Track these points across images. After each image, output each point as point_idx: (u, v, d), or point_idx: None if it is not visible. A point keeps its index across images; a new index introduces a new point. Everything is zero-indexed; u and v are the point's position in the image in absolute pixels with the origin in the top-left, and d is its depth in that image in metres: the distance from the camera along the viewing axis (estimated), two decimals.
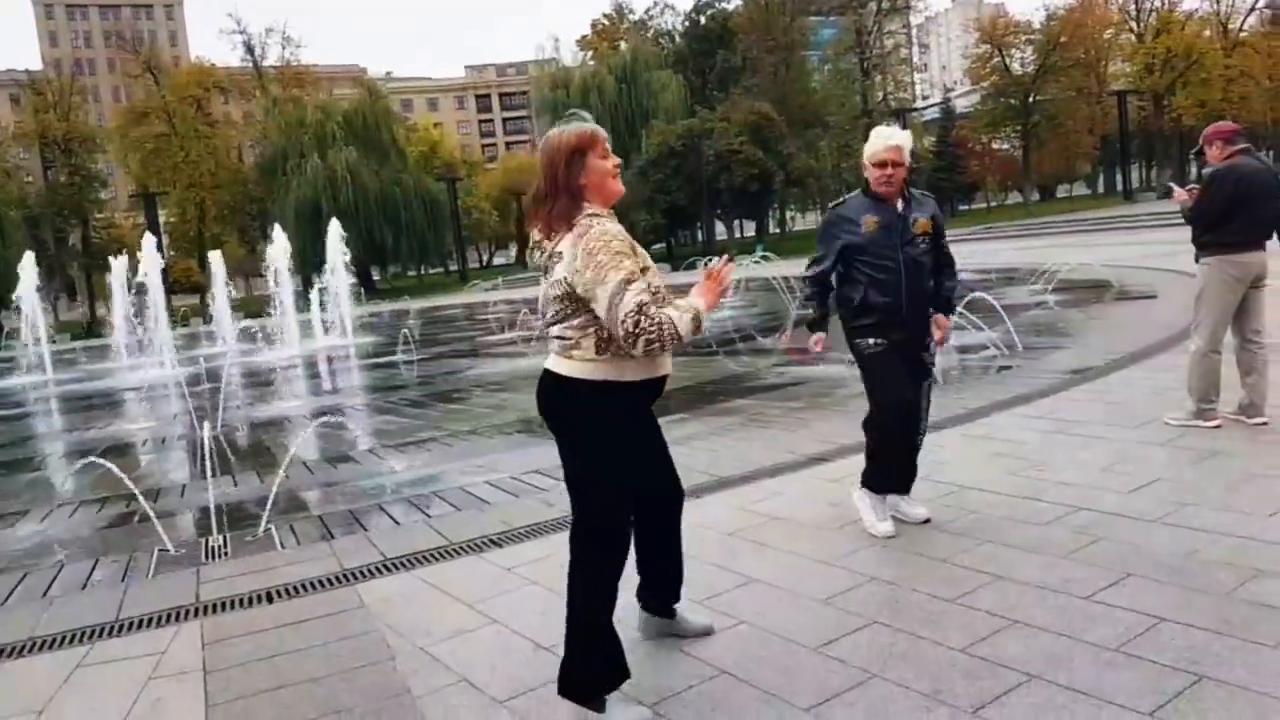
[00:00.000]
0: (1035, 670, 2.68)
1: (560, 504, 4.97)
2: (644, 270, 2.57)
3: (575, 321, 2.58)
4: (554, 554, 4.18)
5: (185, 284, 49.85)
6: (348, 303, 22.91)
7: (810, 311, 4.06)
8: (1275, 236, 5.13)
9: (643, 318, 2.42)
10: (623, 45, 56.50)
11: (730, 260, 2.73)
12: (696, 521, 4.40)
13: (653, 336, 2.43)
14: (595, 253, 2.48)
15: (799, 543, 3.99)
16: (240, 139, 60.44)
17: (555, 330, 2.64)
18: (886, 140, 3.84)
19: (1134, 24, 55.92)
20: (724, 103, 47.13)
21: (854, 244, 3.89)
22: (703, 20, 56.25)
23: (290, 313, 21.44)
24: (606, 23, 65.19)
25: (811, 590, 3.45)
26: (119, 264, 22.35)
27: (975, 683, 2.65)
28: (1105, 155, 58.39)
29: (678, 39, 57.53)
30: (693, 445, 6.11)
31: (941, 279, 4.04)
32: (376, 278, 55.68)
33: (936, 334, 4.02)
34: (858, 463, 5.11)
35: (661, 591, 3.12)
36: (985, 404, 6.31)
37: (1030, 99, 54.03)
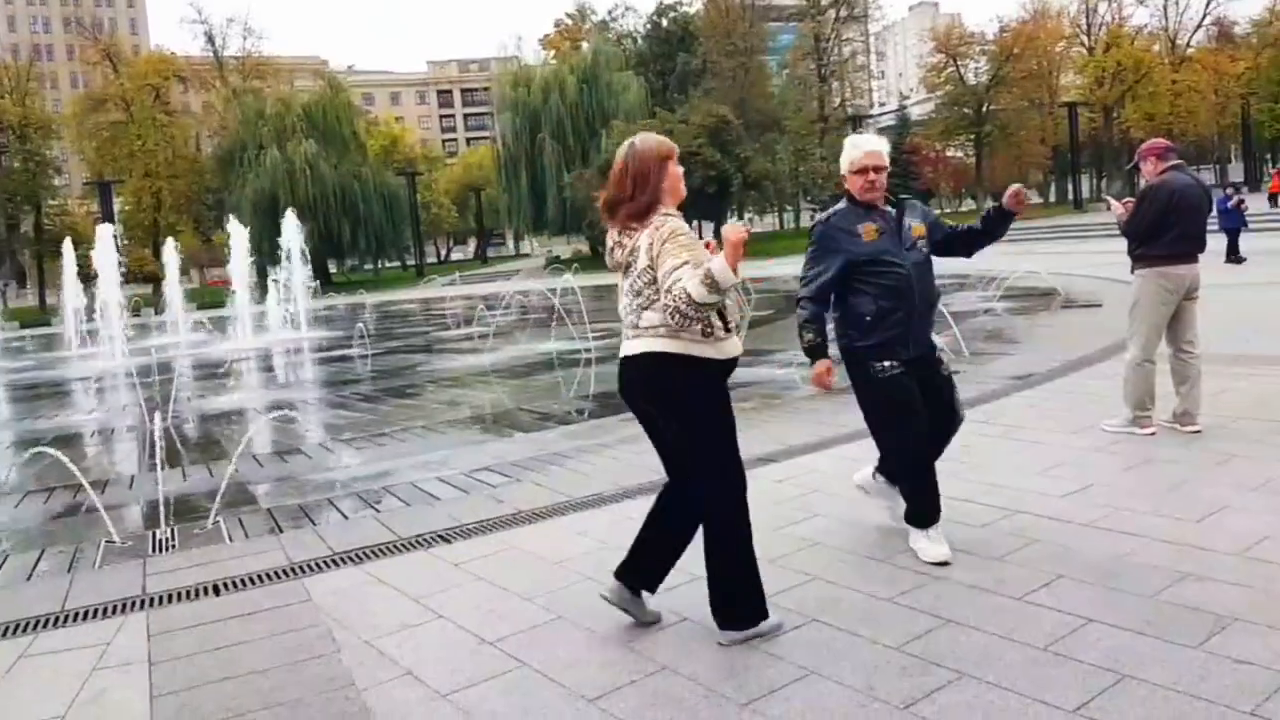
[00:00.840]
0: (966, 668, 2.77)
1: (510, 501, 5.01)
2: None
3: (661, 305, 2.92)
4: (502, 550, 4.22)
5: (139, 274, 48.67)
6: (303, 296, 22.62)
7: (812, 337, 3.73)
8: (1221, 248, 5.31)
9: (668, 294, 2.83)
10: (585, 45, 56.47)
11: (747, 225, 3.07)
12: None
13: (678, 306, 2.81)
14: (665, 240, 2.89)
15: None
16: (198, 129, 59.35)
17: (653, 317, 2.96)
18: (864, 146, 3.79)
19: (1085, 38, 57.50)
20: (684, 105, 47.31)
21: (859, 255, 3.67)
22: (664, 22, 56.44)
23: (244, 305, 21.08)
24: (569, 22, 65.13)
25: None
26: (69, 250, 21.78)
27: (908, 679, 2.73)
28: (1056, 165, 59.81)
29: (639, 40, 57.63)
30: (644, 443, 6.14)
31: (973, 230, 3.95)
32: (333, 271, 54.92)
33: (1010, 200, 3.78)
34: (804, 464, 5.23)
35: (648, 576, 3.26)
36: None
37: (983, 108, 55.29)
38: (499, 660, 3.09)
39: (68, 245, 23.01)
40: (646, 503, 4.66)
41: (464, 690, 2.90)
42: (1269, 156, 65.17)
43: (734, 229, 2.81)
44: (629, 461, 5.65)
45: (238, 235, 22.01)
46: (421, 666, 3.09)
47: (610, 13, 61.63)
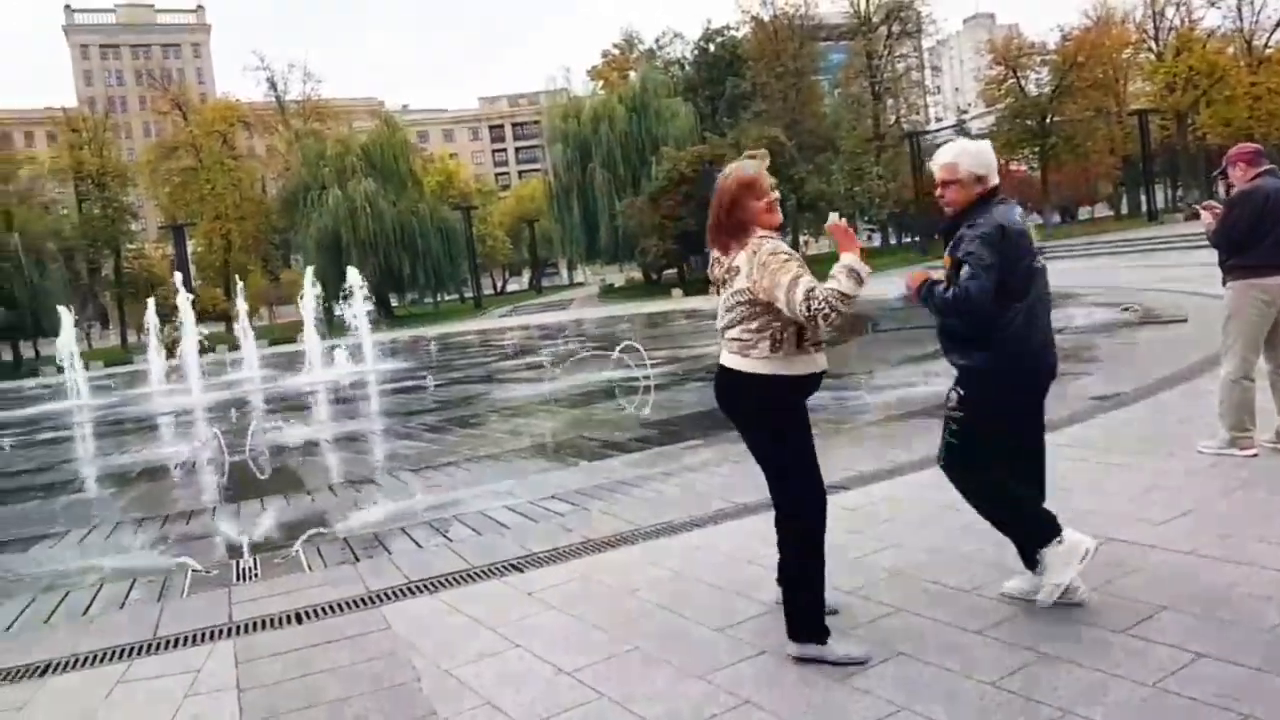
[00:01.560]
0: (1072, 706, 2.61)
1: (578, 529, 4.99)
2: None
3: (753, 325, 3.09)
4: (574, 579, 4.19)
5: (212, 313, 50.64)
6: (367, 330, 23.22)
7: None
8: None
9: (812, 300, 2.91)
10: (632, 74, 56.98)
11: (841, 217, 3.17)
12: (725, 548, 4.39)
13: (826, 309, 2.90)
14: (767, 264, 3.01)
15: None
16: (263, 171, 61.67)
17: (734, 333, 3.14)
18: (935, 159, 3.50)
19: (1153, 43, 55.69)
20: (734, 129, 47.35)
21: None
22: (711, 48, 56.63)
23: (314, 340, 21.72)
24: (616, 52, 65.81)
25: (834, 621, 3.39)
26: (151, 302, 23.22)
27: (1009, 717, 2.60)
28: (1127, 176, 58.02)
29: (687, 67, 57.90)
30: (710, 470, 6.08)
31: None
32: (395, 304, 56.17)
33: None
34: (876, 491, 5.09)
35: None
36: None
37: (1047, 120, 53.89)
38: (577, 691, 3.05)
39: (151, 299, 24.68)
40: (718, 532, 4.64)
41: None
42: None
43: (835, 222, 3.06)
44: (696, 489, 5.59)
45: (307, 276, 23.03)
46: (500, 696, 3.07)
47: (657, 40, 62.15)
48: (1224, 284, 5.13)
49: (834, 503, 4.95)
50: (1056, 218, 61.22)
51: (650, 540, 4.65)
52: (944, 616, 3.34)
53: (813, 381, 3.18)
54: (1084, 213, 70.03)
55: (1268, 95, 49.49)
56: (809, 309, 2.92)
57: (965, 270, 3.19)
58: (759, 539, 4.43)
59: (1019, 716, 2.60)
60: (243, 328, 25.94)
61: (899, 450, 5.96)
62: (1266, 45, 53.86)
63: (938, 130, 64.31)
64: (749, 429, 3.23)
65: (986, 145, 3.48)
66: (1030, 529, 3.38)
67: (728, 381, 3.20)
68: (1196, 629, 3.01)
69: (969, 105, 72.60)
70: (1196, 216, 5.45)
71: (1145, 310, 12.89)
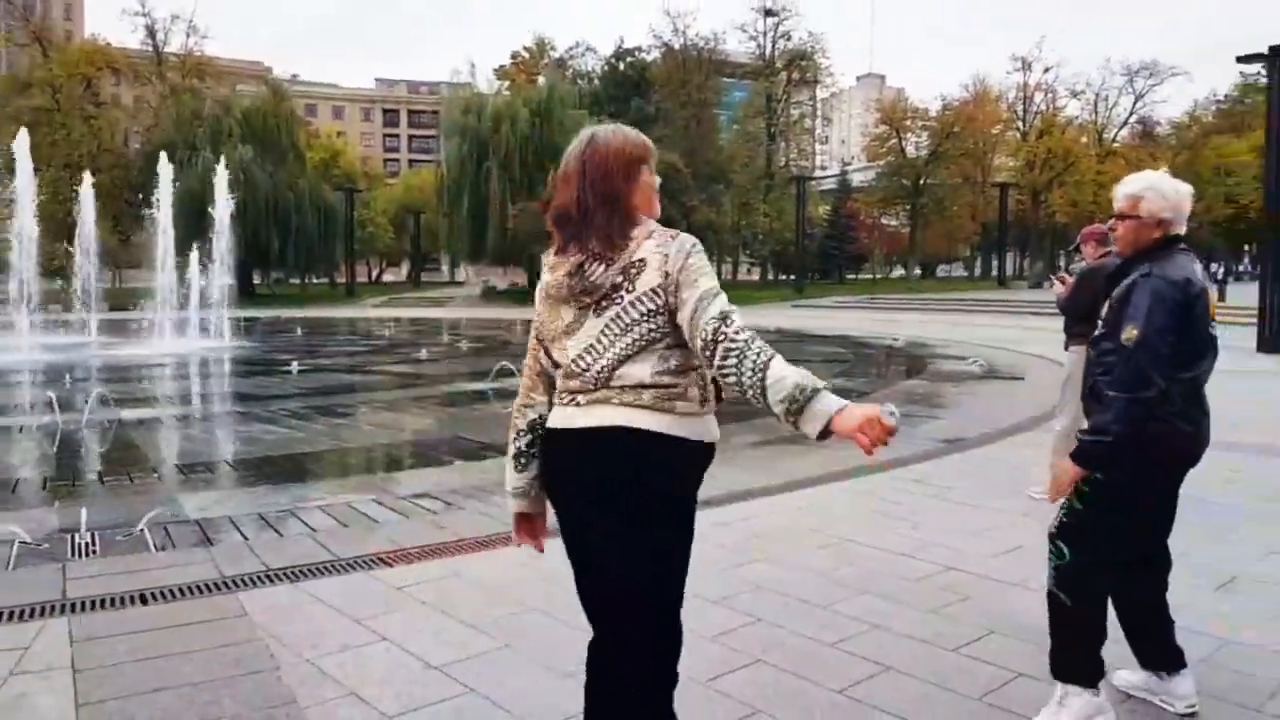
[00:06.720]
0: (907, 714, 2.86)
1: (452, 527, 4.96)
2: None
3: (674, 361, 1.99)
4: (446, 575, 4.18)
5: (50, 269, 46.54)
6: (227, 305, 22.09)
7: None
8: None
9: (725, 325, 1.90)
10: (541, 79, 56.86)
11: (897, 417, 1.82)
12: None
13: (736, 348, 1.87)
14: (690, 255, 1.99)
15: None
16: (129, 124, 57.43)
17: (639, 370, 1.98)
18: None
19: (1020, 123, 60.78)
20: None
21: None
22: (621, 66, 57.40)
23: (165, 309, 20.45)
24: (526, 55, 65.60)
25: (700, 628, 3.56)
26: None
27: (848, 718, 2.82)
28: (984, 242, 62.54)
29: (595, 81, 58.41)
30: None
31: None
32: (258, 282, 53.47)
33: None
34: (745, 509, 5.33)
35: None
36: (866, 463, 6.65)
37: (921, 181, 57.75)
38: (447, 685, 3.07)
39: None
40: None
41: (411, 713, 2.86)
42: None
43: (885, 430, 1.79)
44: None
45: (163, 239, 21.61)
46: (366, 687, 3.04)
47: (569, 50, 62.51)
48: (1066, 348, 5.69)
49: (704, 518, 5.16)
50: (918, 272, 65.13)
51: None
52: (802, 628, 3.56)
53: (711, 452, 2.12)
54: (942, 270, 74.85)
55: (1110, 183, 54.70)
56: (714, 332, 1.89)
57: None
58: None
59: None
60: (87, 288, 24.08)
61: (762, 473, 6.26)
62: (1114, 139, 59.83)
63: (823, 177, 67.32)
64: (635, 524, 1.99)
65: (1186, 189, 2.87)
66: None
67: (614, 451, 1.97)
68: (1018, 651, 3.34)
69: (853, 158, 76.45)
70: (1040, 286, 5.99)
71: (989, 365, 13.97)
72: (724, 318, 1.90)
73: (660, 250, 1.99)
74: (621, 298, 1.98)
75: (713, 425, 2.08)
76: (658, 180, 2.16)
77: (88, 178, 25.07)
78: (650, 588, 2.05)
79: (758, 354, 1.86)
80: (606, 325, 1.99)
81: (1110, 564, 2.81)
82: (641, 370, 1.98)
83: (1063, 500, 2.85)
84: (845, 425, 1.79)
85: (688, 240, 2.01)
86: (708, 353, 1.90)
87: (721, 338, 1.88)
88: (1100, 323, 2.87)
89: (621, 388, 1.97)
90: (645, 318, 1.98)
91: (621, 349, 1.98)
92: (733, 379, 1.88)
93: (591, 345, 2.00)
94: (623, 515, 1.98)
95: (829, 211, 62.93)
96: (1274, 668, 3.21)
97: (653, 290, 1.97)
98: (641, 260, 1.98)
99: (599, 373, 1.99)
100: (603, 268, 2.00)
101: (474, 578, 4.15)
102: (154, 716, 2.82)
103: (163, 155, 26.00)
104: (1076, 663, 2.78)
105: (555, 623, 3.61)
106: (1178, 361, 2.65)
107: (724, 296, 1.95)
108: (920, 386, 11.83)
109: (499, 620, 3.64)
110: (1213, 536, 4.71)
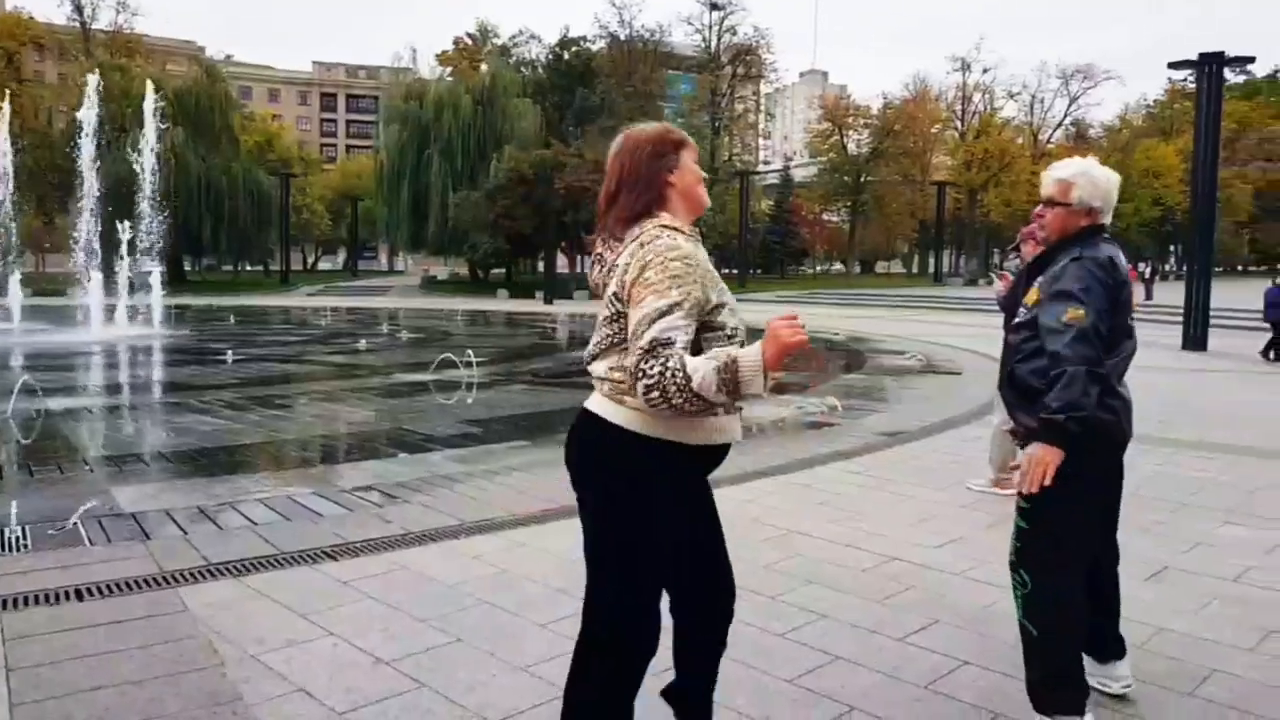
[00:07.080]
0: (856, 703, 2.93)
1: (398, 521, 4.90)
2: (719, 306, 2.09)
3: (630, 360, 2.01)
4: (393, 569, 4.13)
5: None
6: (158, 290, 21.38)
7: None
8: None
9: (650, 358, 1.92)
10: (484, 67, 56.24)
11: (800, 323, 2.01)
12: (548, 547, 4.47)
13: (652, 383, 1.91)
14: (648, 266, 1.99)
15: None
16: (53, 102, 55.00)
17: (604, 366, 2.12)
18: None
19: (958, 123, 62.31)
20: (580, 139, 47.85)
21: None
22: (566, 55, 57.04)
23: (94, 294, 19.71)
24: (469, 42, 64.76)
25: None
26: None
27: (802, 711, 2.87)
28: (922, 239, 64.02)
29: (540, 69, 57.96)
30: (535, 471, 6.15)
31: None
32: (188, 269, 51.85)
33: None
34: None
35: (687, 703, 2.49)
36: (809, 456, 6.77)
37: (861, 178, 58.82)
38: (397, 680, 3.03)
39: None
40: (544, 530, 4.71)
41: (362, 709, 2.82)
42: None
43: (790, 328, 1.96)
44: (522, 488, 5.64)
45: (87, 221, 20.85)
46: (314, 683, 2.99)
47: (513, 38, 61.80)
48: (1005, 344, 5.84)
49: None
50: (857, 268, 66.39)
51: (474, 535, 4.66)
52: (752, 620, 3.61)
53: (707, 456, 2.17)
54: (881, 266, 76.43)
55: None
56: (637, 364, 1.94)
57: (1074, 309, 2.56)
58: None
59: (810, 709, 2.87)
60: (8, 272, 23.13)
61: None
62: (1049, 140, 61.74)
63: (766, 172, 67.92)
64: (593, 503, 2.17)
65: (1115, 178, 2.84)
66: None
67: (584, 433, 2.16)
68: (962, 640, 3.44)
69: (796, 154, 77.34)
70: (974, 283, 6.15)
71: (927, 360, 14.29)
72: (648, 351, 1.93)
73: (627, 259, 2.07)
74: (603, 298, 2.13)
75: (685, 425, 2.07)
76: (701, 173, 2.26)
77: (8, 157, 23.92)
78: (602, 573, 2.18)
79: (674, 374, 1.91)
80: (598, 319, 2.16)
81: (1075, 583, 2.76)
82: (601, 365, 2.15)
83: (1011, 529, 2.87)
84: (774, 356, 1.95)
85: (651, 251, 2.02)
86: (635, 387, 1.96)
87: (640, 375, 1.94)
88: (1022, 309, 2.85)
89: (599, 379, 2.16)
90: (607, 322, 2.13)
91: (596, 343, 2.16)
92: (665, 408, 1.95)
93: (594, 336, 2.18)
94: (590, 494, 2.18)
95: (771, 207, 63.67)
96: (1204, 654, 3.36)
97: (613, 296, 2.10)
98: (617, 265, 2.11)
99: (587, 362, 2.19)
100: (599, 267, 2.19)
101: (420, 571, 4.11)
102: (94, 716, 2.73)
103: (86, 133, 24.85)
104: (1061, 690, 2.68)
105: (507, 616, 3.59)
106: (1108, 345, 2.65)
107: (665, 320, 1.95)
108: (860, 380, 12.06)
109: (448, 614, 3.60)
110: (1143, 529, 4.90)
